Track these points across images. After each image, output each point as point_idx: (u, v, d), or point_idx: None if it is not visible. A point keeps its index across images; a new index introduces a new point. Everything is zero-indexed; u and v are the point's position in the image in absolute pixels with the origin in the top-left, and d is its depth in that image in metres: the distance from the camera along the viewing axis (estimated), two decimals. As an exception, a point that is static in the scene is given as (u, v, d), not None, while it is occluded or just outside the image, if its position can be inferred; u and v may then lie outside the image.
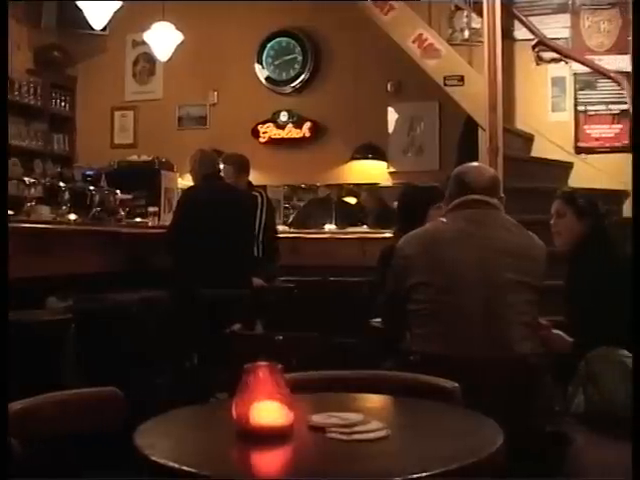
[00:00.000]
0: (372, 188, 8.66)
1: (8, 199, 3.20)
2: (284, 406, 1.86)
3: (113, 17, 7.10)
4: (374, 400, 2.37)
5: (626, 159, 7.49)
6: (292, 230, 8.27)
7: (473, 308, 2.98)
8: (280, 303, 6.20)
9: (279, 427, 1.85)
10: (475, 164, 3.58)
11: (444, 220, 3.26)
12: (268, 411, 1.85)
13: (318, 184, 9.04)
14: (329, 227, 8.30)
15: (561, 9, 7.94)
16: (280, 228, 7.56)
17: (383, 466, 1.74)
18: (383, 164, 8.59)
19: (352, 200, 8.85)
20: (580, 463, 3.22)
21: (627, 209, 7.19)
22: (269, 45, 9.24)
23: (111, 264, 5.59)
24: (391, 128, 8.60)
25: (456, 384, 2.33)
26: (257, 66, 9.25)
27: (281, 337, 3.85)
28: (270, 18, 9.06)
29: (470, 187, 3.23)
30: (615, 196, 6.92)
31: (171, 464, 1.68)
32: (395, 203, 5.15)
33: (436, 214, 4.21)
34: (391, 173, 8.57)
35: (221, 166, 6.18)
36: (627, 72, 7.52)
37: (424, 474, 1.59)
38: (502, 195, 3.38)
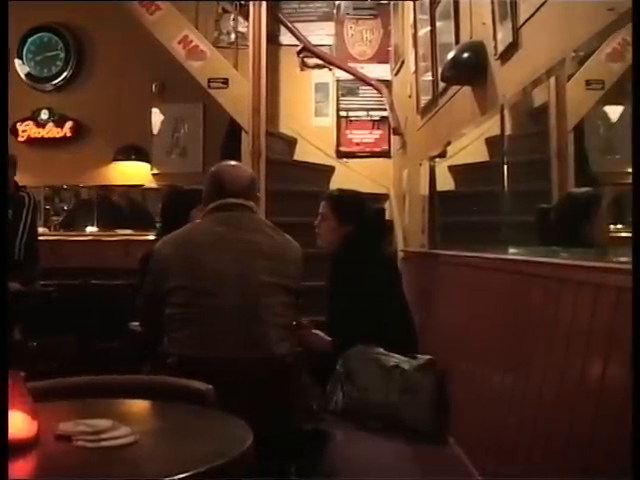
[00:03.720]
0: (135, 189, 8.53)
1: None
2: (27, 416, 1.78)
3: None
4: (127, 405, 2.31)
5: (385, 164, 7.79)
6: (53, 232, 8.03)
7: (229, 310, 2.97)
8: (39, 307, 5.98)
9: (21, 438, 1.76)
10: (232, 163, 3.50)
11: (201, 222, 3.24)
12: (9, 422, 1.76)
13: (81, 185, 8.80)
14: (91, 229, 8.12)
15: (326, 17, 8.14)
16: (40, 230, 7.31)
17: (129, 471, 1.70)
18: (146, 165, 8.45)
19: (115, 202, 8.68)
20: (340, 458, 3.28)
21: (386, 212, 7.47)
22: (30, 40, 8.87)
23: None
24: (155, 129, 8.48)
25: (210, 386, 2.32)
26: (17, 61, 8.87)
27: (35, 343, 3.71)
28: (32, 12, 8.69)
29: (226, 188, 3.19)
30: (376, 199, 7.15)
31: None
32: (160, 205, 5.09)
33: (198, 216, 4.20)
34: (155, 175, 8.45)
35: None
36: (387, 80, 7.80)
37: (170, 478, 1.56)
38: (258, 195, 3.40)
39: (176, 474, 1.58)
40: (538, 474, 2.40)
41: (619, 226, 4.89)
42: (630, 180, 5.18)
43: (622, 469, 1.83)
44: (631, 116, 1.60)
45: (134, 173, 8.47)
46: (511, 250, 3.46)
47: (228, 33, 8.00)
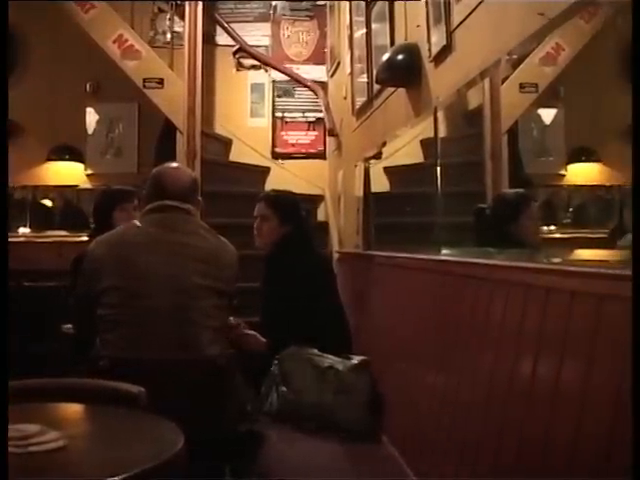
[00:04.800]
0: (69, 190, 8.41)
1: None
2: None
3: None
4: (58, 409, 2.29)
5: (321, 165, 7.81)
6: (-16, 234, 7.90)
7: (161, 312, 2.95)
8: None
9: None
10: (174, 165, 3.50)
11: (137, 224, 3.21)
12: None
13: (14, 185, 8.64)
14: (24, 230, 8.00)
15: (262, 18, 8.14)
16: (-29, 232, 7.17)
17: (58, 476, 1.68)
18: (80, 166, 8.33)
19: (48, 203, 8.55)
20: (274, 459, 3.28)
21: (321, 213, 7.49)
22: (-40, 38, 8.71)
23: None
24: (90, 129, 8.36)
25: (142, 389, 2.31)
26: (-54, 60, 8.69)
27: (-38, 348, 3.63)
28: (-39, 9, 8.54)
29: (166, 190, 3.19)
30: (311, 201, 7.17)
31: None
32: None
33: (121, 216, 4.17)
34: (89, 175, 8.33)
35: None
36: (323, 81, 7.82)
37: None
38: (200, 198, 3.38)
39: (106, 478, 1.58)
40: (470, 474, 2.43)
41: (552, 227, 4.98)
42: (563, 182, 5.28)
43: (554, 468, 1.87)
44: (631, 116, 1.62)
45: (68, 173, 8.34)
46: (444, 251, 3.49)
47: (164, 33, 7.94)
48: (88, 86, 8.29)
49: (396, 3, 4.61)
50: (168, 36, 7.66)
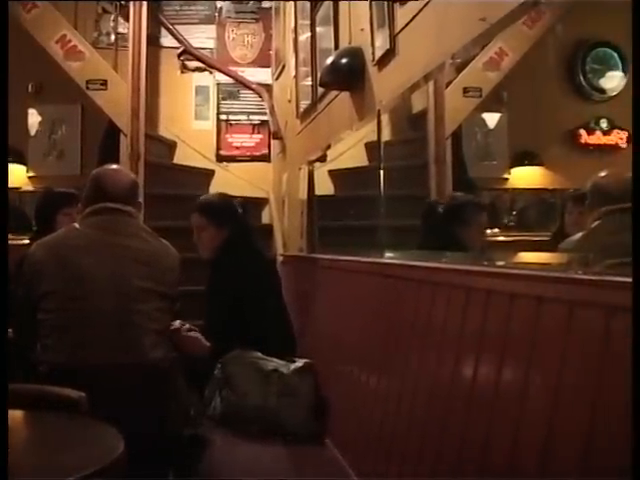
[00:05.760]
0: (11, 192, 8.26)
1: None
2: None
3: None
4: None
5: (265, 168, 7.80)
6: None
7: (103, 316, 2.92)
8: None
9: None
10: (114, 167, 3.47)
11: (77, 226, 3.18)
12: None
13: (-47, 187, 8.50)
14: (-36, 233, 7.86)
15: (207, 20, 8.12)
16: None
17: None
18: (22, 168, 8.21)
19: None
20: (218, 462, 3.27)
21: (266, 216, 7.49)
22: None
23: None
24: (32, 131, 8.24)
25: (82, 394, 2.29)
26: None
27: None
28: None
29: (107, 193, 3.15)
30: (255, 203, 7.17)
31: None
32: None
33: (64, 220, 4.12)
34: (31, 177, 8.22)
35: None
36: (268, 84, 7.82)
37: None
38: (140, 201, 3.36)
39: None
40: (412, 475, 2.44)
41: (495, 230, 5.04)
42: (506, 185, 5.34)
43: (495, 469, 1.88)
44: (631, 116, 1.63)
45: (10, 175, 8.21)
46: (388, 254, 3.51)
47: (108, 34, 7.87)
48: (30, 87, 8.16)
49: (341, 7, 4.62)
50: (112, 37, 7.61)
